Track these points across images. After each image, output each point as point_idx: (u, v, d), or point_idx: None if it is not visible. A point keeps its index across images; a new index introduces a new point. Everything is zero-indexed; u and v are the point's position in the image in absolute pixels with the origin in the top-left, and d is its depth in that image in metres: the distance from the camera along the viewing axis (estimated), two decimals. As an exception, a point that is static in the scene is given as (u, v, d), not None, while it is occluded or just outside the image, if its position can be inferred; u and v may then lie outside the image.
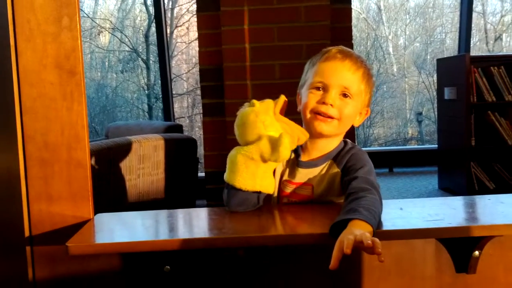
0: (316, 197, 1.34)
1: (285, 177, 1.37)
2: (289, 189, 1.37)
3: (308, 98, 1.33)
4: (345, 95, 1.31)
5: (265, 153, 1.23)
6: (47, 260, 1.24)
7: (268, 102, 1.28)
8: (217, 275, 1.26)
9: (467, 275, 1.24)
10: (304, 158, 1.37)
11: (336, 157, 1.35)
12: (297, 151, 1.38)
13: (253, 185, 1.25)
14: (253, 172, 1.24)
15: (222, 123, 3.05)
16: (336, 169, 1.33)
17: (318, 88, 1.32)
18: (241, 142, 1.28)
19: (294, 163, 1.37)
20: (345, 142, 1.39)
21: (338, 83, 1.30)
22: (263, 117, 1.25)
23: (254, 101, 1.28)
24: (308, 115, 1.32)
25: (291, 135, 1.25)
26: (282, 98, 1.28)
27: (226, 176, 1.27)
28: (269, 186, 1.28)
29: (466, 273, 1.23)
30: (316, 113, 1.31)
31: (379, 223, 1.12)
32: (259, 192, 1.28)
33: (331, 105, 1.30)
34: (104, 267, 1.25)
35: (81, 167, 1.24)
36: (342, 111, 1.31)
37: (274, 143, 1.22)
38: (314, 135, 1.34)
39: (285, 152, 1.21)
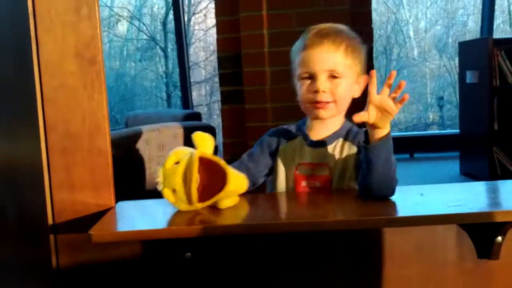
0: (335, 177, 1.35)
1: (298, 160, 1.39)
2: (306, 171, 1.37)
3: (301, 90, 1.36)
4: (334, 77, 1.33)
5: None
6: (70, 247, 1.26)
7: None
8: (237, 261, 1.27)
9: (490, 261, 1.22)
10: (313, 137, 1.39)
11: (347, 135, 1.38)
12: (303, 133, 1.40)
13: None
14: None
15: (241, 110, 3.05)
16: (352, 147, 1.36)
17: (307, 78, 1.35)
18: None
19: (303, 144, 1.39)
20: (349, 121, 1.40)
21: (323, 68, 1.32)
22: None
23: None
24: (306, 105, 1.36)
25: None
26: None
27: None
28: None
29: (489, 259, 1.21)
30: (312, 102, 1.34)
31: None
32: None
33: (323, 91, 1.32)
34: (126, 254, 1.26)
35: (102, 155, 1.26)
36: (335, 92, 1.33)
37: None
38: (317, 119, 1.38)
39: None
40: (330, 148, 1.37)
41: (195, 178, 1.13)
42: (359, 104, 1.30)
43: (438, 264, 1.27)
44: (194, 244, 1.21)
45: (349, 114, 1.40)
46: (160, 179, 1.17)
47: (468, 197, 1.27)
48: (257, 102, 3.01)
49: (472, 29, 8.93)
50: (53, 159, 1.25)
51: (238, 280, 1.28)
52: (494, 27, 5.98)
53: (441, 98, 9.19)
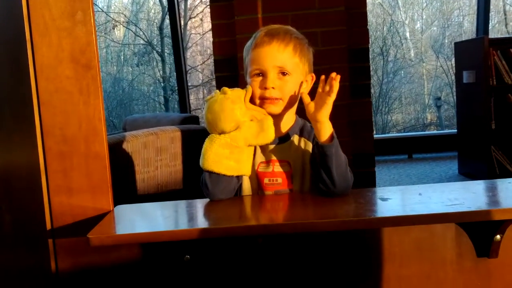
0: (296, 172, 1.40)
1: (258, 159, 1.43)
2: (267, 169, 1.41)
3: (252, 86, 1.40)
4: (283, 74, 1.39)
5: (250, 138, 1.33)
6: (69, 251, 1.26)
7: (238, 90, 1.35)
8: (236, 262, 1.27)
9: (489, 260, 1.23)
10: None
11: (302, 132, 1.44)
12: None
13: (239, 170, 1.34)
14: (238, 158, 1.33)
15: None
16: (308, 143, 1.42)
17: (258, 75, 1.40)
18: (215, 129, 1.34)
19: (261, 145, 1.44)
20: (300, 118, 1.48)
21: (272, 65, 1.38)
22: (239, 105, 1.32)
23: (226, 88, 1.33)
24: (257, 101, 1.40)
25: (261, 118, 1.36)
26: (250, 89, 1.37)
27: (207, 165, 1.32)
28: (250, 168, 1.38)
29: (488, 257, 1.22)
30: (262, 98, 1.39)
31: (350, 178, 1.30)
32: (239, 177, 1.37)
33: (272, 88, 1.38)
34: (125, 257, 1.26)
35: (100, 159, 1.26)
36: (283, 89, 1.39)
37: (260, 127, 1.33)
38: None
39: (272, 133, 1.34)
40: (287, 145, 1.43)
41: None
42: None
43: (437, 263, 1.27)
44: (193, 247, 1.21)
45: (300, 111, 1.46)
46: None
47: (466, 196, 1.27)
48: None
49: (468, 29, 8.96)
50: (50, 163, 1.25)
51: (237, 281, 1.28)
52: (490, 27, 5.99)
53: (439, 98, 9.20)
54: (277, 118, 1.42)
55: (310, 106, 1.33)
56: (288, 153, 1.42)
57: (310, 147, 1.41)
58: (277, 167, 1.41)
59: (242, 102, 1.33)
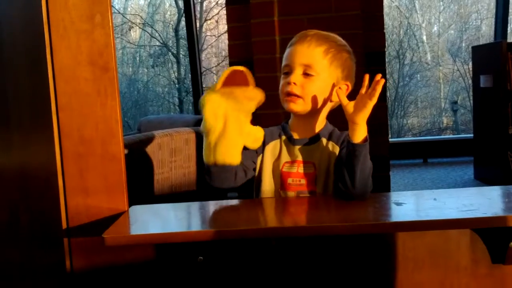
0: (320, 174, 1.39)
1: (284, 159, 1.42)
2: (291, 169, 1.40)
3: (280, 83, 1.42)
4: (307, 74, 1.37)
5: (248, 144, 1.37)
6: (84, 251, 1.28)
7: (217, 103, 1.38)
8: (250, 264, 1.28)
9: (504, 266, 1.21)
10: (297, 136, 1.44)
11: (331, 136, 1.42)
12: (287, 133, 1.45)
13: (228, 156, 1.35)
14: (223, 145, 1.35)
15: (253, 115, 3.06)
16: (335, 147, 1.40)
17: (286, 73, 1.41)
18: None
19: (288, 144, 1.43)
20: (330, 124, 1.47)
21: (299, 62, 1.38)
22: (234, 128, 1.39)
23: (211, 125, 1.35)
24: (281, 97, 1.41)
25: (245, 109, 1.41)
26: (224, 74, 1.37)
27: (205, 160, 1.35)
28: (238, 157, 1.37)
29: (503, 264, 1.20)
30: (285, 94, 1.39)
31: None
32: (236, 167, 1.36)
33: (294, 83, 1.37)
34: (139, 257, 1.27)
35: (116, 160, 1.27)
36: (305, 89, 1.37)
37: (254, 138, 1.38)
38: (293, 114, 1.44)
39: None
40: (314, 147, 1.42)
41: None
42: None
43: (452, 269, 1.26)
44: (207, 248, 1.21)
45: (331, 118, 1.46)
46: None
47: (481, 201, 1.26)
48: (269, 108, 3.00)
49: (485, 33, 8.87)
50: (67, 164, 1.27)
51: (250, 283, 1.28)
52: (508, 31, 5.92)
53: (455, 102, 9.11)
54: (305, 119, 1.42)
55: (349, 106, 1.30)
56: (314, 155, 1.41)
57: (337, 151, 1.39)
58: (301, 168, 1.40)
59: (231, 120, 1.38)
